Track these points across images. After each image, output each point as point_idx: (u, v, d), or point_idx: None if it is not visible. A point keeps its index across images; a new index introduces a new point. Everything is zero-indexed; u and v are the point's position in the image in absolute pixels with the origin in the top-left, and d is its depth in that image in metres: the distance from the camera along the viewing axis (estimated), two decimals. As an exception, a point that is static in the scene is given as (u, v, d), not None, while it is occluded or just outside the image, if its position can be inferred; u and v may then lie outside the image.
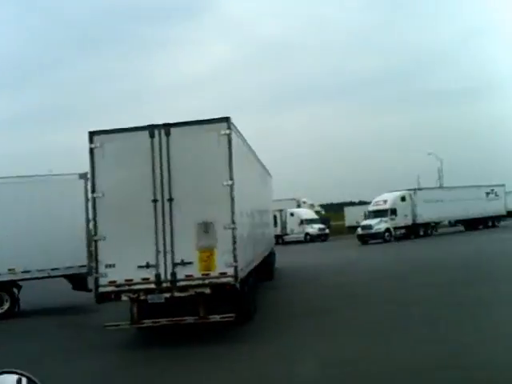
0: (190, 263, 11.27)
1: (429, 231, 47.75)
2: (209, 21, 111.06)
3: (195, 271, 11.26)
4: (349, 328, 11.71)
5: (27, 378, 1.92)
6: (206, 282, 11.21)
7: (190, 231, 11.25)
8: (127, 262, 11.29)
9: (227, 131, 11.25)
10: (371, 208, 47.59)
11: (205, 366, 9.45)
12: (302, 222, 55.31)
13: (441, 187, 53.26)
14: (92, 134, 11.53)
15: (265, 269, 19.90)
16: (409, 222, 46.00)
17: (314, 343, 10.46)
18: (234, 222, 11.18)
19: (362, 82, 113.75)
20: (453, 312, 12.24)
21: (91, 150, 11.49)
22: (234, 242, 11.19)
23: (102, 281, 11.40)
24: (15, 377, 1.88)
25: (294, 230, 55.08)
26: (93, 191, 11.49)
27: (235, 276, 11.15)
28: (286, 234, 54.96)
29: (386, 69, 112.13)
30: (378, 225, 44.35)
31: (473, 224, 51.10)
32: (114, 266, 11.36)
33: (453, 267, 21.21)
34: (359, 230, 45.49)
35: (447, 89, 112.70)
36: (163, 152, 11.42)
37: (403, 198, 46.29)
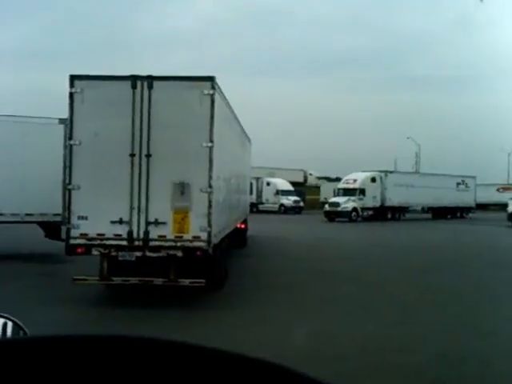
0: (163, 223, 10.93)
1: (396, 215, 46.76)
2: None
3: (168, 232, 10.93)
4: (312, 301, 11.56)
5: (13, 322, 1.81)
6: (179, 244, 10.90)
7: (165, 190, 10.88)
8: (100, 216, 10.99)
9: (211, 91, 10.69)
10: (340, 186, 46.85)
11: (167, 329, 9.21)
12: (278, 192, 55.11)
13: (412, 172, 52.23)
14: (73, 78, 11.03)
15: (238, 236, 19.55)
16: (377, 203, 45.13)
17: (277, 313, 10.32)
18: (210, 186, 10.77)
19: (348, 59, 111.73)
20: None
21: (71, 95, 11.02)
22: (210, 206, 10.80)
23: (74, 232, 11.12)
24: (1, 320, 1.78)
25: (269, 200, 55.00)
26: (70, 138, 11.09)
27: (208, 241, 10.82)
28: (261, 203, 54.68)
29: (373, 49, 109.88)
30: (346, 203, 43.49)
31: (441, 213, 50.20)
32: (86, 218, 11.06)
33: (413, 252, 21.35)
34: (326, 207, 44.78)
35: (433, 75, 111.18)
36: (144, 105, 10.92)
37: (373, 179, 45.40)
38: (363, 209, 44.65)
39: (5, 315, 1.81)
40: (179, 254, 10.89)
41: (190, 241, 10.86)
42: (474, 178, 55.40)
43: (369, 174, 45.89)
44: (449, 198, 49.94)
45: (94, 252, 11.14)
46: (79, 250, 11.19)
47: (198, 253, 10.84)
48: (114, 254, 11.10)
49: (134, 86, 10.92)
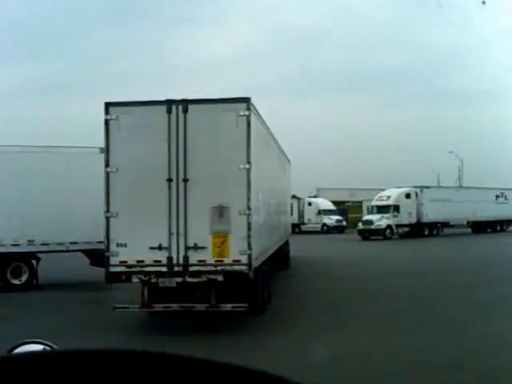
0: (203, 248, 10.84)
1: (434, 231, 45.27)
2: (237, 3, 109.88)
3: (208, 257, 10.84)
4: (363, 323, 11.32)
5: (50, 348, 1.80)
6: (219, 268, 10.78)
7: (204, 214, 10.80)
8: (139, 242, 10.96)
9: (246, 112, 10.63)
10: (374, 203, 45.48)
11: (212, 356, 9.04)
12: (320, 212, 54.63)
13: (448, 187, 49.83)
14: (108, 105, 11.12)
15: (281, 257, 19.38)
16: (413, 220, 43.84)
17: (327, 338, 10.00)
18: (249, 208, 10.65)
19: (385, 75, 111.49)
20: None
21: (106, 122, 11.09)
22: (249, 229, 10.68)
23: (113, 260, 11.11)
24: (40, 347, 1.79)
25: (312, 220, 54.59)
26: (106, 165, 11.13)
27: (249, 264, 10.68)
28: (303, 224, 54.18)
29: (410, 64, 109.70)
30: (379, 221, 42.20)
31: (481, 227, 48.56)
32: (125, 245, 11.04)
33: (457, 270, 20.59)
34: (360, 225, 43.53)
35: (472, 88, 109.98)
36: (180, 129, 10.92)
37: (408, 195, 44.08)
38: (398, 226, 43.48)
39: (46, 342, 1.80)
40: (220, 278, 10.77)
41: (231, 265, 10.74)
42: None
43: (403, 190, 44.80)
44: (488, 212, 48.37)
45: (134, 279, 11.10)
46: (119, 278, 11.16)
47: (239, 277, 10.70)
48: (154, 280, 11.04)
49: (169, 111, 10.94)
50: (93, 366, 0.75)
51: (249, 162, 10.63)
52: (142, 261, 11.00)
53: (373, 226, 42.39)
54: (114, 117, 11.08)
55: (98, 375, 0.74)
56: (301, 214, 54.13)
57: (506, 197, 51.62)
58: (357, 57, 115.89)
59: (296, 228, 46.99)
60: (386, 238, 41.67)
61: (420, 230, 44.11)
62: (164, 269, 10.98)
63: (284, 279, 17.73)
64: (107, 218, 11.15)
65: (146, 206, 11.03)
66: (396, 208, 43.17)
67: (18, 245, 16.69)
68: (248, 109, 10.65)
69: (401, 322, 11.52)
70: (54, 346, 1.77)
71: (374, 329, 10.82)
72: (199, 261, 10.87)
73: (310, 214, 54.96)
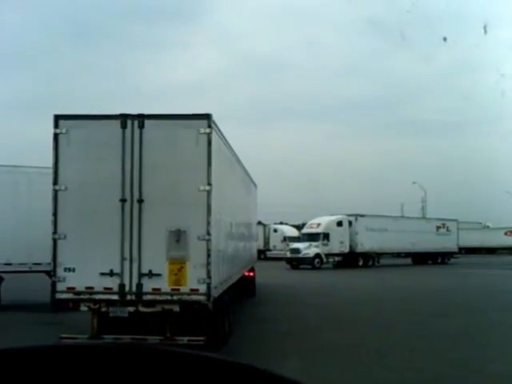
0: (158, 275, 10.25)
1: (370, 262, 43.99)
2: (201, 28, 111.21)
3: (164, 285, 10.25)
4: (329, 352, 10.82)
5: None
6: (175, 298, 10.22)
7: (160, 238, 10.22)
8: (89, 267, 10.35)
9: (207, 130, 10.09)
10: (304, 231, 44.82)
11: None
12: (285, 239, 55.11)
13: (385, 216, 48.04)
14: (58, 118, 10.50)
15: (246, 285, 18.91)
16: (345, 249, 42.44)
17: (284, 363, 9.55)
18: (209, 233, 10.10)
19: (348, 106, 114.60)
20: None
21: (55, 136, 10.46)
22: (209, 256, 10.13)
23: (60, 286, 10.47)
24: None
25: (277, 247, 55.62)
26: (55, 183, 10.49)
27: (208, 294, 10.13)
28: (269, 250, 55.53)
29: (372, 95, 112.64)
30: (307, 249, 41.00)
31: (421, 258, 48.01)
32: (73, 270, 10.41)
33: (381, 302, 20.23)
34: (288, 253, 42.59)
35: (435, 120, 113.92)
36: (135, 146, 10.34)
37: (340, 223, 42.83)
38: (329, 255, 41.86)
39: None
40: (176, 308, 10.21)
41: (188, 294, 10.18)
42: (455, 221, 53.59)
43: (334, 218, 43.58)
44: (428, 243, 47.47)
45: (83, 307, 10.51)
46: (66, 306, 10.52)
47: (197, 307, 10.12)
48: (104, 309, 10.43)
49: (123, 126, 10.35)
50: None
51: (209, 184, 10.08)
52: (92, 287, 10.37)
53: (300, 255, 41.25)
54: (63, 130, 10.46)
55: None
56: (266, 240, 55.17)
57: (447, 228, 51.17)
58: (320, 86, 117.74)
59: (261, 254, 47.35)
60: (314, 268, 40.14)
61: (354, 259, 42.75)
62: (115, 297, 10.37)
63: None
64: (54, 240, 10.52)
65: (97, 227, 10.41)
66: (326, 236, 41.76)
67: None
68: (209, 126, 10.10)
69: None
70: None
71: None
72: (154, 289, 10.28)
73: (275, 241, 56.14)
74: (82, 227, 10.46)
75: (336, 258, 42.42)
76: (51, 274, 12.96)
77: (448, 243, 50.06)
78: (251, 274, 21.18)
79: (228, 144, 12.62)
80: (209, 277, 10.12)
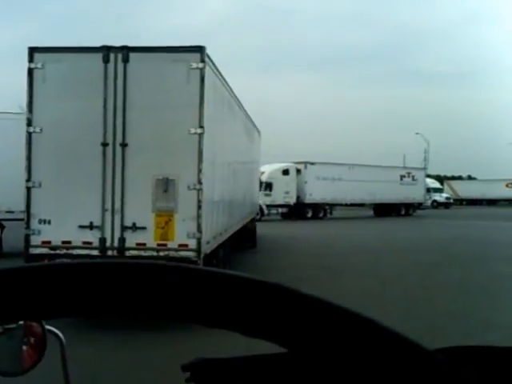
0: (143, 228, 9.48)
1: (321, 213, 42.16)
2: None
3: (149, 239, 9.49)
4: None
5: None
6: (162, 254, 9.46)
7: (145, 187, 9.44)
8: (66, 219, 9.58)
9: (200, 64, 9.21)
10: None
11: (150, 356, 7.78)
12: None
13: (339, 164, 44.73)
14: (32, 51, 9.62)
15: (246, 235, 18.60)
16: (291, 200, 40.40)
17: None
18: (200, 182, 9.29)
19: (355, 55, 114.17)
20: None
21: (30, 72, 9.59)
22: (199, 207, 9.34)
23: (34, 240, 9.72)
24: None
25: None
26: (28, 124, 9.64)
27: (198, 250, 9.37)
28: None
29: (379, 44, 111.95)
30: None
31: (383, 210, 46.38)
32: (49, 222, 9.64)
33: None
34: None
35: (441, 70, 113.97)
36: (119, 82, 9.48)
37: (285, 172, 40.33)
38: (271, 206, 39.89)
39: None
40: None
41: (176, 250, 9.41)
42: (423, 169, 51.84)
43: (279, 166, 40.84)
44: (390, 193, 45.48)
45: None
46: (41, 261, 9.73)
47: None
48: None
49: (106, 60, 9.47)
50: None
51: (201, 126, 9.24)
52: (69, 242, 9.62)
53: None
54: (39, 65, 9.57)
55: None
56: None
57: (413, 177, 49.17)
58: (324, 35, 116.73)
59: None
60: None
61: (302, 211, 40.73)
62: (95, 252, 9.62)
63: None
64: (28, 189, 9.73)
65: (76, 175, 9.61)
66: (268, 186, 39.12)
67: None
68: (202, 60, 9.22)
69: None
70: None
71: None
72: (138, 244, 9.52)
73: None
74: (59, 174, 9.65)
75: (280, 210, 40.44)
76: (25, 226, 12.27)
77: (413, 194, 48.29)
78: (252, 225, 20.80)
79: (226, 83, 11.76)
80: (199, 231, 9.35)
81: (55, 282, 0.73)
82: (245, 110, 16.07)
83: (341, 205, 46.16)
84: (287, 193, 39.97)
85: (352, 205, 47.65)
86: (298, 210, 40.65)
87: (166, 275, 0.75)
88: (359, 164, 46.13)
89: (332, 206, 44.65)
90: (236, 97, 13.62)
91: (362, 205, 48.23)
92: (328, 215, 43.42)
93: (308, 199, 40.96)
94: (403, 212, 47.87)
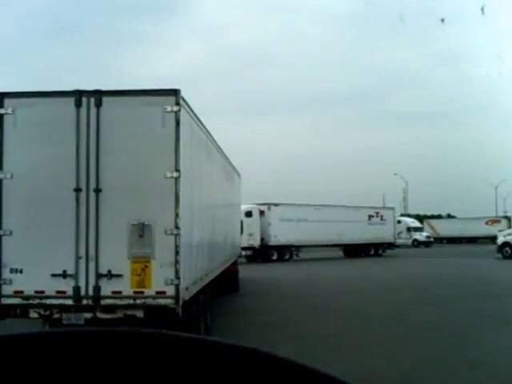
0: (118, 276, 9.25)
1: (286, 255, 41.55)
2: (182, 22, 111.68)
3: (125, 287, 9.26)
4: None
5: None
6: (139, 302, 9.21)
7: (120, 234, 9.23)
8: (39, 268, 9.33)
9: (175, 107, 9.10)
10: None
11: None
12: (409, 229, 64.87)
13: (304, 204, 44.29)
14: (3, 96, 9.44)
15: (228, 279, 18.45)
16: (256, 242, 39.71)
17: None
18: (177, 227, 9.12)
19: (331, 98, 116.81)
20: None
21: (0, 117, 9.37)
22: (177, 253, 9.15)
23: (6, 289, 9.41)
24: None
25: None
26: None
27: (176, 297, 9.12)
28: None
29: (355, 87, 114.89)
30: None
31: (352, 250, 46.23)
32: (21, 271, 9.38)
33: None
34: None
35: (417, 111, 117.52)
36: (91, 127, 9.33)
37: (249, 214, 39.24)
38: None
39: None
40: (140, 314, 9.21)
41: (153, 297, 9.18)
42: (391, 209, 52.01)
43: (243, 208, 39.94)
44: (358, 233, 45.15)
45: (33, 314, 9.44)
46: (13, 312, 9.44)
47: (164, 313, 9.11)
48: (57, 316, 9.38)
49: (78, 104, 9.33)
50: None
51: (177, 170, 9.09)
52: (43, 291, 9.34)
53: None
54: (9, 110, 9.42)
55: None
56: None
57: (381, 217, 49.30)
58: (301, 78, 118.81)
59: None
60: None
61: (267, 253, 40.33)
62: (69, 302, 9.34)
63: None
64: (-1, 237, 9.41)
65: (48, 222, 9.39)
66: None
67: None
68: (177, 103, 9.11)
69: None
70: None
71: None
72: (114, 292, 9.27)
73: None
74: (31, 222, 9.42)
75: (244, 252, 39.19)
76: None
77: (382, 233, 48.06)
78: (234, 268, 20.60)
79: (202, 125, 11.64)
80: (177, 277, 9.13)
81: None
82: (223, 153, 16.01)
83: (307, 246, 45.41)
84: (251, 235, 39.03)
85: (319, 246, 46.95)
86: (263, 253, 40.17)
87: (140, 343, 0.77)
88: (325, 204, 45.82)
89: (298, 247, 43.92)
90: (214, 140, 13.53)
91: (329, 246, 47.47)
92: (294, 257, 42.81)
93: (273, 241, 40.45)
94: (372, 252, 47.48)
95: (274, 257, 40.73)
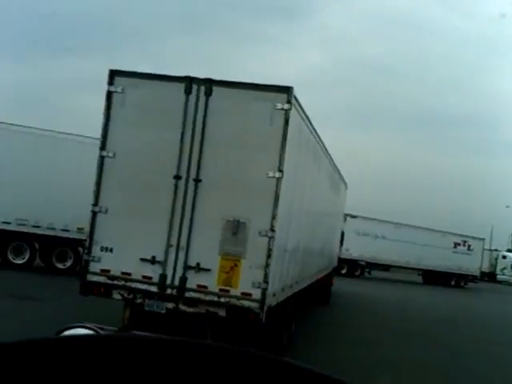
0: (206, 270, 9.10)
1: (357, 272, 39.55)
2: (307, 27, 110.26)
3: (212, 282, 9.09)
4: None
5: (95, 331, 1.97)
6: (223, 300, 9.03)
7: (214, 228, 9.06)
8: (128, 250, 9.35)
9: (286, 105, 8.80)
10: None
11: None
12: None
13: (385, 221, 41.84)
14: (113, 74, 9.49)
15: (320, 290, 17.91)
16: None
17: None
18: (273, 229, 8.84)
19: (446, 120, 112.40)
20: None
21: (109, 95, 9.45)
22: (269, 256, 8.88)
23: (93, 266, 9.49)
24: (85, 330, 1.93)
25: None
26: (102, 147, 9.46)
27: (262, 301, 8.88)
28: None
29: (473, 111, 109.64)
30: None
31: (432, 278, 43.24)
32: (111, 250, 9.42)
33: None
34: None
35: None
36: (199, 115, 9.18)
37: None
38: None
39: (91, 326, 1.96)
40: (222, 313, 9.02)
41: (238, 298, 8.96)
42: (481, 240, 47.94)
43: None
44: (440, 260, 42.41)
45: (115, 295, 9.46)
46: (97, 291, 9.48)
47: (247, 316, 8.87)
48: (139, 301, 9.35)
49: (188, 91, 9.19)
50: (139, 351, 0.82)
51: (280, 170, 8.80)
52: (129, 273, 9.33)
53: None
54: (119, 89, 9.43)
55: (143, 360, 0.81)
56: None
57: (469, 247, 45.68)
58: (422, 96, 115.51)
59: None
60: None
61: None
62: (154, 288, 9.29)
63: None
64: (93, 213, 9.55)
65: (144, 205, 9.36)
66: None
67: (67, 230, 19.65)
68: (288, 101, 8.81)
69: None
70: (99, 330, 1.94)
71: None
72: (199, 286, 9.13)
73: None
74: (127, 202, 9.42)
75: None
76: (84, 250, 12.00)
77: (466, 264, 44.82)
78: (328, 279, 20.00)
79: (312, 127, 11.28)
80: (266, 281, 8.87)
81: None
82: (332, 160, 15.57)
83: (381, 265, 43.57)
84: None
85: (394, 266, 45.09)
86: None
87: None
88: (407, 224, 43.58)
89: (371, 264, 42.15)
90: (323, 144, 13.13)
91: (405, 268, 45.32)
92: (365, 274, 41.26)
93: (344, 254, 38.13)
94: (453, 283, 44.85)
95: (343, 271, 38.56)
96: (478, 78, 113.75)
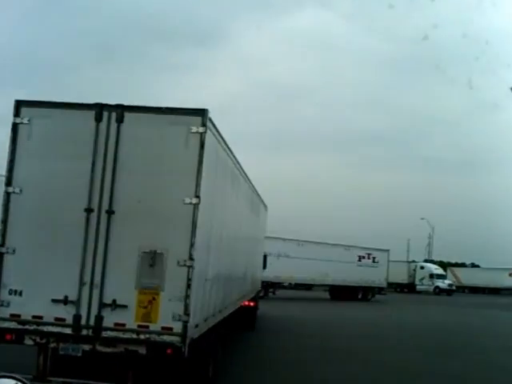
0: (123, 307, 8.62)
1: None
2: (220, 53, 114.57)
3: (129, 319, 8.61)
4: None
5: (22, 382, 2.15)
6: (142, 337, 8.55)
7: (130, 261, 8.65)
8: (38, 291, 8.78)
9: (201, 129, 8.60)
10: None
11: None
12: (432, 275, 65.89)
13: (287, 239, 41.42)
14: (20, 105, 9.03)
15: (244, 316, 17.90)
16: None
17: None
18: (191, 258, 8.49)
19: (361, 139, 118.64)
20: None
21: (14, 126, 8.99)
22: (189, 286, 8.51)
23: (3, 312, 8.83)
24: (12, 382, 2.20)
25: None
26: (8, 183, 8.94)
27: (183, 335, 8.43)
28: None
29: (387, 129, 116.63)
30: None
31: (338, 293, 43.98)
32: (20, 293, 8.82)
33: None
34: None
35: (445, 158, 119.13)
36: (110, 144, 8.84)
37: None
38: None
39: (16, 376, 2.29)
40: (142, 350, 8.53)
41: (159, 333, 8.51)
42: (386, 251, 48.61)
43: None
44: (345, 275, 42.91)
45: (28, 341, 8.83)
46: (7, 337, 8.83)
47: (169, 351, 8.41)
48: (53, 345, 8.75)
49: (98, 118, 8.87)
50: None
51: (197, 196, 8.52)
52: (40, 317, 8.74)
53: None
54: (25, 120, 8.98)
55: None
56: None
57: (374, 259, 46.63)
58: (337, 117, 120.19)
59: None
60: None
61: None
62: (68, 330, 8.71)
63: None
64: (0, 255, 8.86)
65: (55, 242, 8.86)
66: None
67: None
68: (203, 124, 8.61)
69: None
70: (26, 382, 2.17)
71: None
72: (117, 324, 8.62)
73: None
74: (37, 241, 8.88)
75: None
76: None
77: (372, 277, 45.52)
78: (252, 303, 19.99)
79: (230, 152, 11.09)
80: (187, 313, 8.46)
81: None
82: (251, 183, 15.41)
83: (283, 285, 43.41)
84: None
85: (299, 285, 45.23)
86: None
87: None
88: (310, 240, 43.54)
89: (275, 284, 41.72)
90: (241, 168, 12.97)
91: (310, 285, 45.88)
92: (270, 294, 40.85)
93: None
94: (360, 296, 45.21)
95: None
96: (392, 97, 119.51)
